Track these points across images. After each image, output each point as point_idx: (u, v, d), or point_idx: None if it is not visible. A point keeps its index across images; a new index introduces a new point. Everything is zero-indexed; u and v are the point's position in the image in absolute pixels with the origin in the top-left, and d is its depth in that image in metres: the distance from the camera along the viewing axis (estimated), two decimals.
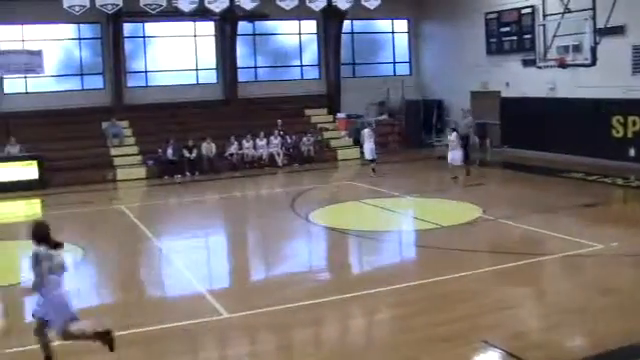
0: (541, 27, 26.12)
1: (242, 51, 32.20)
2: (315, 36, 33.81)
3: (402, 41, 35.49)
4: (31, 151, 25.42)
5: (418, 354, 9.13)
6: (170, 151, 26.73)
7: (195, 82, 31.79)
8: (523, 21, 28.05)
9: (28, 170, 24.81)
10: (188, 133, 27.70)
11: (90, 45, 30.24)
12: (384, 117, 33.21)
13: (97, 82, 30.19)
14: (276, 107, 30.98)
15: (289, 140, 29.14)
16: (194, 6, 26.34)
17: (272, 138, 28.74)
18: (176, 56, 31.42)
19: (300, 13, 29.32)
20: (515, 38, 28.51)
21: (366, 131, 25.95)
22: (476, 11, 30.34)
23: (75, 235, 16.87)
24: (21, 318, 11.63)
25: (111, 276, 14.18)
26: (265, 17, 30.49)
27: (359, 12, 29.86)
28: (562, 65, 24.68)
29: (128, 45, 30.61)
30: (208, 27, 31.66)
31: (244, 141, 28.28)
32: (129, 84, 30.50)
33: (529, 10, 27.58)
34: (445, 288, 11.66)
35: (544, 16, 26.22)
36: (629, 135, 23.99)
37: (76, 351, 9.53)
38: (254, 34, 32.70)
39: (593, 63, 23.75)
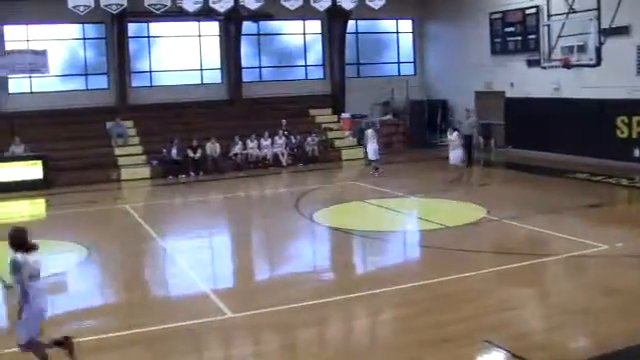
0: (546, 27, 26.14)
1: (246, 51, 32.22)
2: (320, 36, 33.80)
3: (407, 41, 35.46)
4: (36, 151, 25.46)
5: (422, 354, 9.13)
6: (174, 151, 26.76)
7: (199, 82, 31.81)
8: (528, 21, 28.00)
9: (33, 170, 24.86)
10: (192, 133, 27.72)
11: (95, 45, 30.27)
12: (388, 117, 33.18)
13: (101, 82, 30.22)
14: (280, 107, 30.99)
15: (293, 140, 29.14)
16: (198, 6, 26.36)
17: (276, 138, 28.75)
18: (180, 56, 31.43)
19: (305, 13, 29.32)
20: (520, 38, 28.46)
21: (369, 131, 25.94)
22: (481, 11, 30.30)
23: (79, 235, 16.94)
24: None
25: (115, 276, 14.19)
26: (270, 17, 30.50)
27: (364, 12, 29.85)
28: (567, 65, 24.68)
29: (132, 45, 30.65)
30: (212, 27, 31.69)
31: (248, 141, 28.28)
32: (133, 84, 30.54)
33: (534, 10, 27.53)
34: (449, 288, 11.65)
35: (549, 16, 26.23)
36: (634, 135, 23.95)
37: (80, 351, 9.53)
38: (258, 34, 32.71)
39: (598, 63, 23.75)
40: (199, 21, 30.81)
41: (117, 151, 27.64)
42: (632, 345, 8.95)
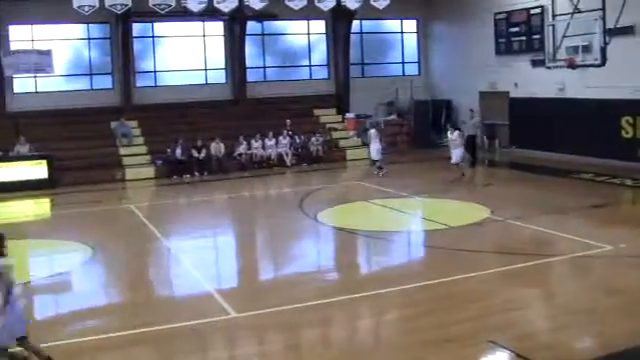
0: (550, 27, 26.07)
1: (251, 51, 32.23)
2: (324, 36, 33.80)
3: (411, 41, 35.45)
4: (40, 150, 25.50)
5: (426, 354, 9.13)
6: (179, 151, 26.78)
7: (204, 82, 31.83)
8: (532, 21, 27.96)
9: (37, 169, 24.91)
10: (197, 133, 27.74)
11: (99, 45, 30.32)
12: (393, 117, 33.19)
13: (106, 82, 30.27)
14: (285, 107, 31.00)
15: (298, 140, 29.15)
16: (203, 6, 26.38)
17: (281, 138, 28.76)
18: (185, 56, 31.46)
19: (309, 13, 29.32)
20: (524, 38, 28.42)
21: (372, 131, 25.96)
22: (485, 11, 30.27)
23: (84, 234, 16.98)
24: (31, 316, 11.68)
25: (120, 275, 14.21)
26: (274, 17, 30.51)
27: (368, 12, 29.84)
28: (571, 65, 24.61)
29: (137, 45, 30.67)
30: (217, 27, 31.70)
31: (253, 141, 28.30)
32: (138, 84, 30.57)
33: (538, 10, 27.49)
34: (453, 289, 11.65)
35: (553, 16, 26.18)
36: (638, 136, 23.90)
37: (84, 350, 9.58)
38: (263, 34, 32.72)
39: (603, 63, 23.68)
40: (203, 21, 30.84)
41: (122, 151, 27.69)
42: (637, 345, 8.94)
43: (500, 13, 29.64)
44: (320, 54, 33.97)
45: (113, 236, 17.30)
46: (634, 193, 20.96)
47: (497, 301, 11.06)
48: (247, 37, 31.46)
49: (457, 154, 22.76)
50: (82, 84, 30.02)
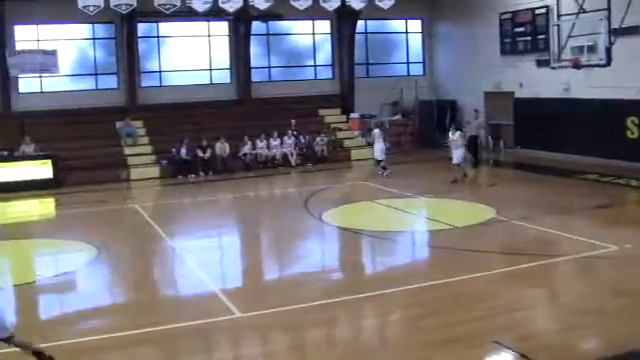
0: (555, 27, 26.03)
1: (256, 51, 32.25)
2: (329, 36, 33.80)
3: (416, 41, 35.42)
4: (46, 150, 25.54)
5: (430, 355, 9.12)
6: (184, 151, 26.80)
7: (209, 82, 31.85)
8: (537, 21, 27.92)
9: (43, 169, 24.95)
10: (202, 133, 27.75)
11: (104, 45, 30.36)
12: (397, 117, 33.18)
13: (111, 82, 30.30)
14: (290, 107, 31.00)
15: (303, 140, 29.16)
16: (208, 6, 26.39)
17: (286, 138, 28.76)
18: (190, 56, 31.49)
19: (314, 13, 29.30)
20: (529, 38, 28.38)
21: (376, 131, 26.00)
22: (490, 11, 30.23)
23: (89, 234, 17.00)
24: (37, 316, 11.73)
25: (124, 275, 14.23)
26: (279, 17, 30.51)
27: (373, 12, 29.82)
28: (576, 65, 24.59)
29: (142, 45, 30.71)
30: (222, 27, 31.72)
31: (258, 141, 28.30)
32: (143, 84, 30.60)
33: (543, 10, 27.45)
34: (458, 289, 11.64)
35: (558, 16, 26.14)
36: None
37: (89, 350, 9.60)
38: (268, 34, 32.73)
39: (608, 64, 23.65)
40: (208, 21, 30.86)
41: (127, 151, 27.73)
42: None
43: (505, 13, 29.61)
44: (325, 54, 33.97)
45: (118, 236, 17.33)
46: (639, 194, 20.91)
47: (502, 301, 11.05)
48: (252, 37, 31.47)
49: (458, 155, 22.73)
50: (87, 84, 30.06)
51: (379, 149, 25.34)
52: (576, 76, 25.55)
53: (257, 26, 31.58)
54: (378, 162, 25.51)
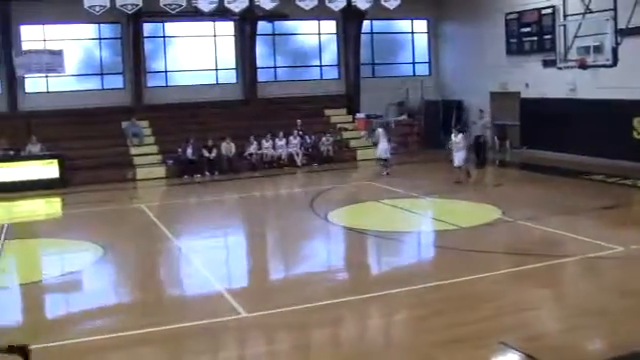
0: (562, 27, 25.98)
1: (262, 51, 32.27)
2: (335, 36, 33.79)
3: (422, 41, 35.39)
4: (52, 150, 25.61)
5: (436, 355, 9.12)
6: (190, 151, 26.83)
7: (215, 82, 31.87)
8: (544, 21, 27.86)
9: (49, 169, 25.00)
10: (208, 133, 27.77)
11: (110, 45, 30.41)
12: (403, 117, 33.15)
13: (117, 82, 30.35)
14: (295, 107, 31.02)
15: (308, 140, 29.16)
16: (214, 6, 26.40)
17: (291, 138, 28.77)
18: (196, 56, 31.51)
19: (320, 13, 29.30)
20: (535, 38, 28.31)
21: (380, 130, 26.03)
22: (496, 11, 30.18)
23: (95, 234, 17.03)
24: (42, 315, 11.75)
25: (130, 275, 14.25)
26: (285, 17, 30.52)
27: (379, 12, 29.80)
28: (583, 66, 24.53)
29: (148, 45, 30.75)
30: (228, 27, 31.74)
31: (263, 141, 28.32)
32: (149, 84, 30.65)
33: (550, 10, 27.39)
34: (464, 289, 11.63)
35: (565, 16, 26.09)
36: None
37: (94, 349, 9.61)
38: (274, 34, 32.74)
39: (614, 64, 23.59)
40: (214, 21, 30.89)
41: (133, 151, 27.77)
42: None
43: (511, 13, 29.55)
44: (331, 54, 33.97)
45: (124, 236, 17.36)
46: None
47: (508, 302, 11.04)
48: (258, 37, 31.48)
49: (460, 157, 22.61)
50: (93, 84, 30.11)
51: (383, 148, 25.35)
52: (582, 76, 25.49)
53: (263, 26, 31.59)
54: (384, 161, 25.47)
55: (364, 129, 31.30)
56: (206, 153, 27.11)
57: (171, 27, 31.01)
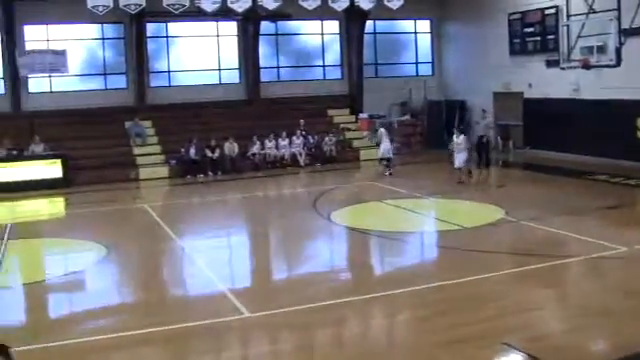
0: (565, 27, 25.98)
1: (265, 51, 32.29)
2: (337, 36, 33.80)
3: (425, 41, 35.39)
4: (55, 150, 25.65)
5: (439, 355, 9.11)
6: (193, 151, 26.85)
7: (218, 82, 31.90)
8: (547, 21, 27.86)
9: (52, 169, 25.04)
10: (211, 133, 27.78)
11: (113, 45, 30.45)
12: (406, 117, 33.15)
13: (120, 82, 30.38)
14: (298, 107, 31.03)
15: (311, 140, 29.17)
16: (217, 6, 26.40)
17: (294, 138, 28.78)
18: (199, 56, 31.54)
19: (323, 13, 29.28)
20: (539, 39, 28.31)
21: (382, 130, 26.04)
22: (499, 11, 30.17)
23: (98, 233, 17.04)
24: (46, 315, 11.76)
25: (133, 275, 14.26)
26: (287, 17, 30.52)
27: (382, 12, 29.77)
28: (586, 66, 24.52)
29: (151, 45, 30.78)
30: (231, 27, 31.76)
31: (267, 141, 28.33)
32: (152, 84, 30.67)
33: (553, 10, 27.38)
34: (467, 290, 11.62)
35: (568, 16, 26.09)
36: None
37: (98, 349, 9.62)
38: (277, 34, 32.76)
39: (618, 64, 23.58)
40: (217, 21, 30.91)
41: (136, 150, 27.80)
42: None
43: (514, 13, 29.54)
44: (334, 54, 33.98)
45: (127, 235, 17.37)
46: None
47: (511, 302, 11.02)
48: (261, 37, 31.52)
49: (461, 158, 22.54)
50: (96, 84, 30.15)
51: (386, 148, 25.36)
52: (586, 76, 25.48)
53: (266, 26, 31.63)
54: (387, 161, 25.46)
55: (367, 129, 31.29)
56: (209, 153, 27.12)
57: (174, 27, 31.04)
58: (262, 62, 31.98)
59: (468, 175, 22.73)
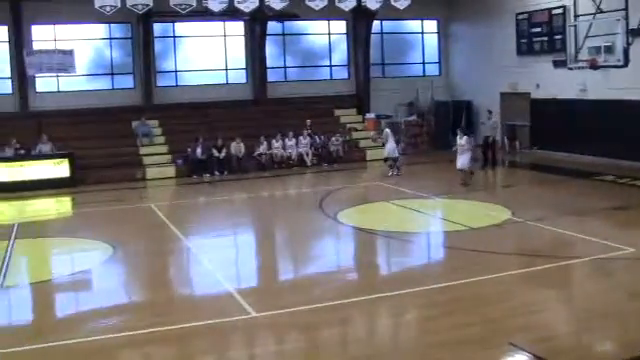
0: (572, 28, 25.92)
1: (271, 51, 32.31)
2: (344, 36, 33.80)
3: (432, 41, 35.35)
4: (62, 149, 25.70)
5: (444, 356, 9.10)
6: (199, 150, 26.88)
7: (224, 82, 31.93)
8: (554, 21, 27.79)
9: (59, 168, 25.08)
10: (217, 132, 27.81)
11: (121, 45, 30.50)
12: (413, 118, 33.11)
13: (127, 81, 30.44)
14: (305, 107, 31.04)
15: (318, 140, 29.17)
16: (224, 6, 26.38)
17: (301, 138, 28.79)
18: (206, 56, 31.58)
19: (330, 13, 29.26)
20: (546, 39, 28.25)
21: (387, 131, 26.03)
22: (507, 11, 30.13)
23: (105, 233, 17.06)
24: (52, 314, 11.79)
25: (140, 274, 14.27)
26: (295, 17, 30.51)
27: (389, 12, 29.71)
28: (593, 66, 24.48)
29: (158, 45, 30.84)
30: (238, 27, 31.79)
31: (273, 141, 28.34)
32: (159, 84, 30.72)
33: (560, 10, 27.32)
34: (473, 290, 11.61)
35: (575, 16, 26.03)
36: None
37: (104, 348, 9.64)
38: (283, 34, 32.77)
39: (625, 64, 23.53)
40: (224, 21, 30.94)
41: (142, 150, 27.85)
42: None
43: (522, 13, 29.48)
44: (340, 54, 33.97)
45: (133, 235, 17.40)
46: None
47: (517, 303, 11.00)
48: (268, 37, 31.53)
49: (462, 160, 22.46)
50: (103, 84, 30.21)
51: (391, 148, 25.33)
52: (593, 77, 25.43)
53: (273, 26, 31.64)
54: (394, 161, 25.43)
55: (374, 129, 31.26)
56: (216, 153, 27.14)
57: (181, 27, 31.08)
58: (269, 62, 32.00)
59: (470, 174, 22.67)
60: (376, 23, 32.87)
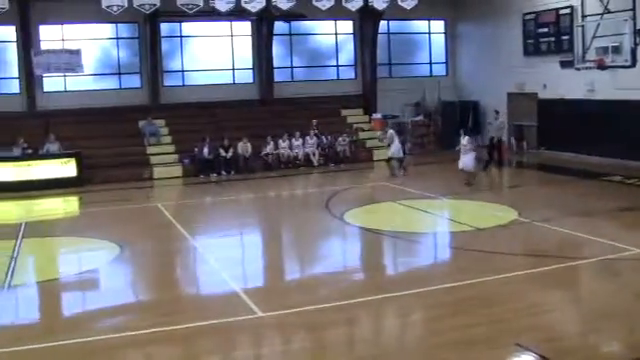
0: (580, 28, 25.89)
1: (278, 51, 32.32)
2: (351, 36, 33.80)
3: (439, 42, 35.32)
4: (70, 149, 25.76)
5: (450, 356, 9.09)
6: (206, 150, 26.91)
7: (231, 82, 31.96)
8: (561, 22, 27.72)
9: (66, 168, 25.14)
10: (224, 132, 27.86)
11: (128, 44, 30.56)
12: (420, 118, 33.08)
13: (134, 81, 30.50)
14: (312, 107, 31.05)
15: (325, 140, 29.17)
16: (231, 6, 26.38)
17: (308, 138, 28.80)
18: (213, 56, 31.61)
19: (336, 13, 29.24)
20: (553, 39, 28.18)
21: (392, 132, 26.02)
22: (514, 12, 30.07)
23: (112, 232, 17.09)
24: (59, 313, 11.81)
25: (147, 273, 14.30)
26: (301, 17, 30.53)
27: (396, 12, 29.68)
28: (601, 66, 24.43)
29: (165, 45, 30.91)
30: (245, 27, 31.82)
31: (280, 141, 28.35)
32: (166, 83, 30.78)
33: (568, 11, 27.26)
34: (480, 290, 11.59)
35: (583, 17, 25.99)
36: None
37: (110, 348, 9.66)
38: (290, 34, 32.79)
39: (633, 64, 23.48)
40: (231, 21, 30.97)
41: (149, 150, 27.90)
42: None
43: (529, 14, 29.42)
44: (347, 54, 33.96)
45: (140, 234, 17.42)
46: None
47: (524, 304, 10.97)
48: (274, 37, 31.56)
49: (465, 160, 22.39)
50: (111, 83, 30.28)
51: (396, 148, 25.30)
52: (601, 77, 25.37)
53: (280, 26, 31.67)
54: (400, 162, 25.40)
55: (380, 129, 31.24)
56: (222, 152, 27.17)
57: (188, 27, 31.13)
58: (276, 62, 32.02)
59: (474, 176, 22.62)
60: (383, 23, 32.86)
